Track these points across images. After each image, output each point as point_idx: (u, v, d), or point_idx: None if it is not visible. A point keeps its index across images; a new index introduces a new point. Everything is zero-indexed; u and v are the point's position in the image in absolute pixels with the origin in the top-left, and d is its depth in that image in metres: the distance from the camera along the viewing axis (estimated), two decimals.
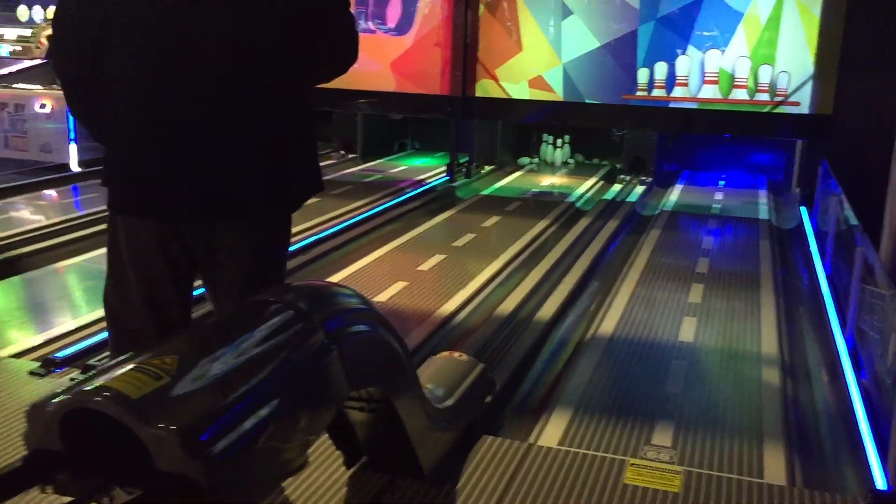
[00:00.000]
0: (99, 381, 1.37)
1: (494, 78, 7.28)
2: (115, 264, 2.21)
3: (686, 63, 6.78)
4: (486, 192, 7.78)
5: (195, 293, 2.34)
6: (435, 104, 7.51)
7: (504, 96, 7.28)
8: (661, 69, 6.84)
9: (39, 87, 8.33)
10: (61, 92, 2.24)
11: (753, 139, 8.74)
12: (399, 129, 9.74)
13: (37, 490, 1.37)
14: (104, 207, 2.28)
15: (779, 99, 6.62)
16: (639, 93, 6.92)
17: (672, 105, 6.88)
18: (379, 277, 4.89)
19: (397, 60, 7.50)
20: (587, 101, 7.08)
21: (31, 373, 3.15)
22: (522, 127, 9.09)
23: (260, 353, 1.56)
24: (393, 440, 2.26)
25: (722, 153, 9.07)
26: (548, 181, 8.44)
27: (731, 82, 6.72)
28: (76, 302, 4.36)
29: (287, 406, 1.53)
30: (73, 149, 7.85)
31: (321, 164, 2.36)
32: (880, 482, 2.74)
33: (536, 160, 9.39)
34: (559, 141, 9.29)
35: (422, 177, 8.23)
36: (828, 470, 2.94)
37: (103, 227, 2.56)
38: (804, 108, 6.57)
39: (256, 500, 1.51)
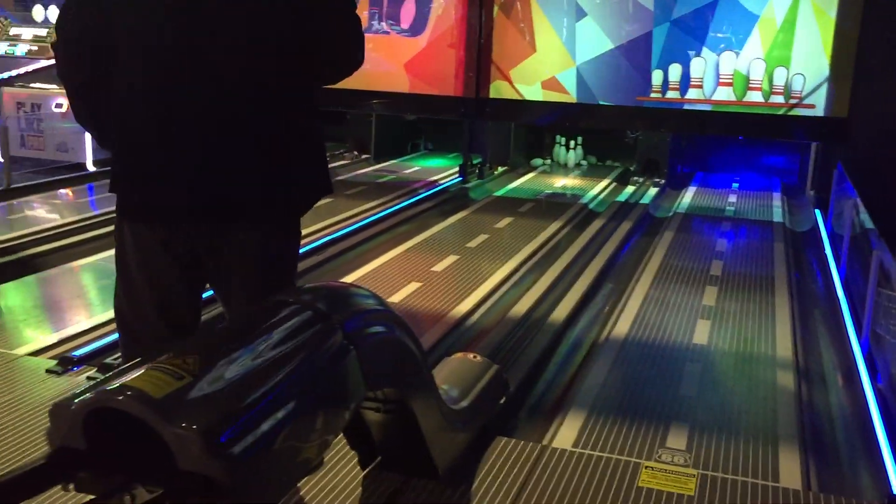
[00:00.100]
0: (121, 381, 1.38)
1: (508, 79, 7.28)
2: (123, 270, 2.20)
3: (700, 65, 6.77)
4: (499, 194, 7.78)
5: (203, 296, 2.32)
6: (448, 105, 7.51)
7: (517, 97, 7.28)
8: (675, 71, 6.83)
9: (55, 86, 8.37)
10: None
11: (767, 141, 8.71)
12: (412, 130, 9.75)
13: (58, 488, 1.39)
14: None
15: (794, 101, 6.59)
16: (653, 95, 6.91)
17: (686, 107, 6.86)
18: (393, 278, 4.90)
19: (411, 61, 7.51)
20: (601, 102, 7.07)
21: (48, 371, 3.19)
22: (536, 128, 9.09)
23: (280, 354, 1.56)
24: (408, 441, 2.27)
25: (736, 155, 9.05)
26: (561, 182, 8.44)
27: (746, 84, 6.69)
28: (91, 301, 4.39)
29: (306, 406, 1.54)
30: (88, 148, 7.90)
31: (334, 164, 2.35)
32: None
33: (549, 161, 9.39)
34: (572, 142, 9.29)
35: (435, 178, 8.24)
36: (844, 474, 2.93)
37: None
38: (819, 111, 6.54)
39: (275, 499, 1.51)
